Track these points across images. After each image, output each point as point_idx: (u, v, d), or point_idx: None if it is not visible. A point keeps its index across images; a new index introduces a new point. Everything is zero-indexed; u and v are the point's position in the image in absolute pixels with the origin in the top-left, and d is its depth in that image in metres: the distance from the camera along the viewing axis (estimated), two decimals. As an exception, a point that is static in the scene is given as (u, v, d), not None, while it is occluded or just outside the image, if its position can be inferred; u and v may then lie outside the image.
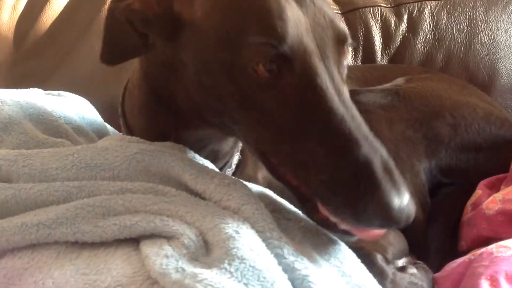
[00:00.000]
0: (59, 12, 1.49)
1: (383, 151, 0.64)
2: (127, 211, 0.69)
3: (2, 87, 1.30)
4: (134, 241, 0.67)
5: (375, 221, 0.62)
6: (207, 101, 0.74)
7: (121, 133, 1.13)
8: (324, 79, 0.66)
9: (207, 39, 0.70)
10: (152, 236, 0.66)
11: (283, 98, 0.67)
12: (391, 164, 0.63)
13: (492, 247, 0.87)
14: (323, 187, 0.64)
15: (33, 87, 1.27)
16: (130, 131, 0.91)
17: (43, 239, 0.68)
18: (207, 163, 0.80)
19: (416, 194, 1.11)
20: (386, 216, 0.61)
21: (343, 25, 0.72)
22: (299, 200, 0.70)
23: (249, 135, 0.72)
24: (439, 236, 1.09)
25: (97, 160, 0.76)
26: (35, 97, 1.02)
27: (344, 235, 0.69)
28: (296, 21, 0.67)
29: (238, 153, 0.93)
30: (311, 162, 0.65)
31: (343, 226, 0.66)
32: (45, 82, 1.41)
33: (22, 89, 1.20)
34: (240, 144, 0.91)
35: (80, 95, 1.23)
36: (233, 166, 0.92)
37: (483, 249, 0.87)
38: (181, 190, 0.73)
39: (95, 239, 0.67)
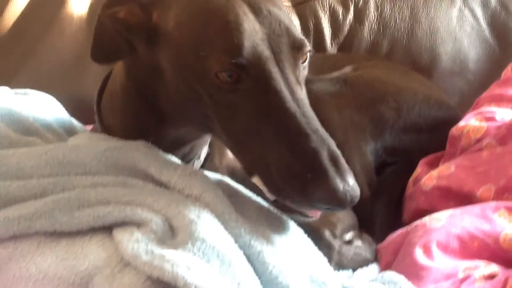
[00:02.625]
0: (21, 10, 1.52)
1: (331, 143, 0.72)
2: (100, 203, 0.76)
3: (-33, 86, 1.35)
4: (107, 229, 0.75)
5: (323, 205, 0.70)
6: (185, 102, 0.81)
7: (86, 127, 1.20)
8: (278, 82, 0.74)
9: (179, 48, 0.78)
10: (123, 224, 0.74)
11: (244, 99, 0.75)
12: (337, 153, 0.72)
13: (426, 219, 0.97)
14: (279, 177, 0.72)
15: (-1, 84, 1.32)
16: (106, 130, 0.94)
17: (24, 231, 0.75)
18: (170, 156, 0.88)
19: (363, 173, 1.21)
20: (332, 200, 0.69)
21: (298, 32, 0.79)
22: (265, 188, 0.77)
23: (222, 132, 0.79)
24: (384, 210, 1.19)
25: (69, 158, 0.83)
26: (4, 97, 1.07)
27: (301, 216, 0.77)
28: (252, 32, 0.75)
29: (206, 146, 0.99)
30: (269, 155, 0.73)
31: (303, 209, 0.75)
32: (11, 79, 1.46)
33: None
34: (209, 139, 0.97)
35: (45, 90, 1.28)
36: (202, 158, 0.98)
37: (418, 221, 0.98)
38: (147, 182, 0.81)
39: (72, 228, 0.74)
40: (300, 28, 1.63)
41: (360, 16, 1.65)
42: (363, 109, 1.29)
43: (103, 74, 1.35)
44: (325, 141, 0.72)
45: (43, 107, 1.13)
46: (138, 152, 0.84)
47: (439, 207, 1.05)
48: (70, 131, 1.12)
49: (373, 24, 1.64)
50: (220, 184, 0.84)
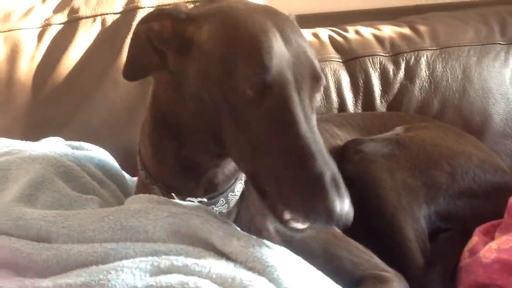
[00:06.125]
0: (75, 61, 1.56)
1: (333, 166, 0.77)
2: (162, 272, 0.76)
3: (20, 133, 1.38)
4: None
5: (321, 220, 0.75)
6: (204, 113, 0.86)
7: (134, 179, 1.20)
8: (296, 105, 0.80)
9: (208, 59, 0.84)
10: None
11: (262, 115, 0.80)
12: (339, 177, 0.77)
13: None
14: (285, 190, 0.77)
15: (50, 133, 1.34)
16: (144, 166, 1.00)
17: (88, 299, 0.75)
18: (230, 223, 0.87)
19: (417, 240, 1.18)
20: (330, 216, 0.74)
21: (319, 65, 0.86)
22: (268, 206, 0.81)
23: (235, 148, 0.84)
24: (438, 280, 1.15)
25: (132, 223, 0.83)
26: (62, 154, 1.08)
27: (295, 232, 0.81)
28: (280, 56, 0.81)
29: (240, 181, 0.99)
30: (276, 169, 0.78)
31: (297, 224, 0.79)
32: (63, 129, 1.48)
33: (43, 138, 1.27)
34: (242, 176, 0.99)
35: (95, 141, 1.30)
36: (237, 192, 0.99)
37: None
38: (209, 251, 0.80)
39: (134, 298, 0.74)
40: (350, 84, 1.63)
41: (411, 74, 1.64)
42: (417, 172, 1.26)
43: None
44: (329, 164, 0.77)
45: (97, 162, 1.14)
46: (199, 219, 0.83)
47: (500, 282, 1.02)
48: (123, 187, 1.14)
49: (424, 83, 1.63)
50: (281, 257, 0.82)
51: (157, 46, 0.90)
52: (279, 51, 0.81)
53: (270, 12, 0.88)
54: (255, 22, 0.83)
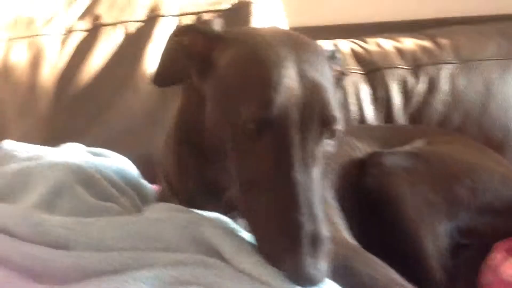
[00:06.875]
0: (97, 69, 1.57)
1: (320, 225, 0.73)
2: (181, 284, 0.75)
3: (41, 139, 1.39)
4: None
5: (288, 274, 0.72)
6: (218, 137, 0.84)
7: (153, 187, 1.21)
8: (294, 147, 0.76)
9: (221, 86, 0.84)
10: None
11: (259, 150, 0.78)
12: (322, 237, 0.72)
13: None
14: (263, 233, 0.75)
15: (71, 139, 1.35)
16: (167, 180, 1.01)
17: (104, 308, 0.74)
18: (246, 236, 0.85)
19: (437, 256, 1.17)
20: (295, 277, 0.71)
21: (334, 108, 0.80)
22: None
23: (234, 179, 0.81)
24: (460, 297, 1.14)
25: (150, 232, 0.82)
26: (82, 160, 1.09)
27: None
28: (289, 94, 0.77)
29: None
30: (262, 212, 0.75)
31: None
32: (83, 135, 1.48)
33: (63, 144, 1.28)
34: None
35: (115, 148, 1.31)
36: None
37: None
38: (225, 263, 0.79)
39: (152, 308, 0.73)
40: (370, 96, 1.62)
41: (432, 86, 1.62)
42: (438, 187, 1.24)
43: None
44: (314, 220, 0.72)
45: (117, 169, 1.14)
46: (215, 230, 0.82)
47: (521, 300, 1.00)
48: (142, 195, 1.14)
49: (446, 96, 1.61)
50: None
51: (183, 62, 0.91)
52: (288, 88, 0.77)
53: (295, 44, 0.84)
54: (271, 55, 0.80)
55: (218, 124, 0.83)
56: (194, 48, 0.89)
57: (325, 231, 0.73)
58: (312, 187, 0.75)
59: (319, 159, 0.79)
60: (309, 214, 0.72)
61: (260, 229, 0.76)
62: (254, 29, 0.91)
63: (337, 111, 0.81)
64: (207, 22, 0.91)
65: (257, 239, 0.77)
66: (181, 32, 0.92)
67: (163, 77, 0.98)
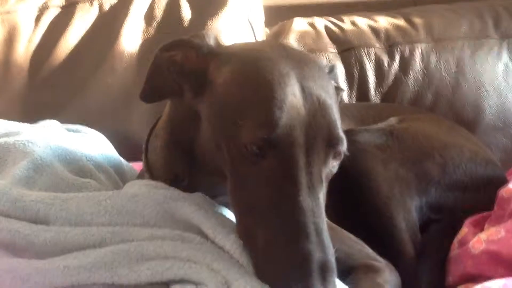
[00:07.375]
0: (73, 46, 1.56)
1: (328, 252, 0.71)
2: (158, 257, 0.77)
3: (17, 116, 1.38)
4: (164, 284, 0.75)
5: None
6: (213, 153, 0.81)
7: (131, 164, 1.22)
8: (301, 171, 0.72)
9: (220, 105, 0.79)
10: (182, 281, 0.74)
11: (262, 175, 0.74)
12: (331, 264, 0.70)
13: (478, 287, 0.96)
14: (267, 261, 0.71)
15: (47, 116, 1.35)
16: (149, 168, 0.98)
17: (83, 281, 0.76)
18: (226, 213, 0.86)
19: (408, 231, 1.19)
20: None
21: (339, 129, 0.77)
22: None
23: (234, 201, 0.79)
24: (429, 271, 1.16)
25: (128, 207, 0.84)
26: (59, 135, 1.09)
27: None
28: (293, 114, 0.73)
29: None
30: (266, 239, 0.72)
31: None
32: (59, 113, 1.48)
33: (40, 121, 1.28)
34: None
35: (91, 125, 1.32)
36: None
37: (470, 290, 0.96)
38: (204, 238, 0.81)
39: (130, 282, 0.75)
40: (345, 75, 1.64)
41: (405, 66, 1.65)
42: (409, 164, 1.27)
43: (149, 113, 1.38)
44: (323, 247, 0.70)
45: (94, 146, 1.15)
46: (193, 207, 0.83)
47: (488, 273, 1.03)
48: (119, 171, 1.15)
49: (418, 75, 1.64)
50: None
51: (175, 79, 0.86)
52: (293, 108, 0.73)
53: (297, 61, 0.80)
54: (273, 72, 0.76)
55: (216, 145, 0.79)
56: (188, 65, 0.84)
57: (333, 258, 0.71)
58: (319, 212, 0.72)
59: (325, 181, 0.76)
60: (318, 241, 0.70)
61: (262, 255, 0.72)
62: (250, 43, 0.86)
63: (342, 131, 0.78)
64: (199, 36, 0.85)
65: (257, 265, 0.74)
66: (171, 47, 0.86)
67: (151, 93, 0.91)
